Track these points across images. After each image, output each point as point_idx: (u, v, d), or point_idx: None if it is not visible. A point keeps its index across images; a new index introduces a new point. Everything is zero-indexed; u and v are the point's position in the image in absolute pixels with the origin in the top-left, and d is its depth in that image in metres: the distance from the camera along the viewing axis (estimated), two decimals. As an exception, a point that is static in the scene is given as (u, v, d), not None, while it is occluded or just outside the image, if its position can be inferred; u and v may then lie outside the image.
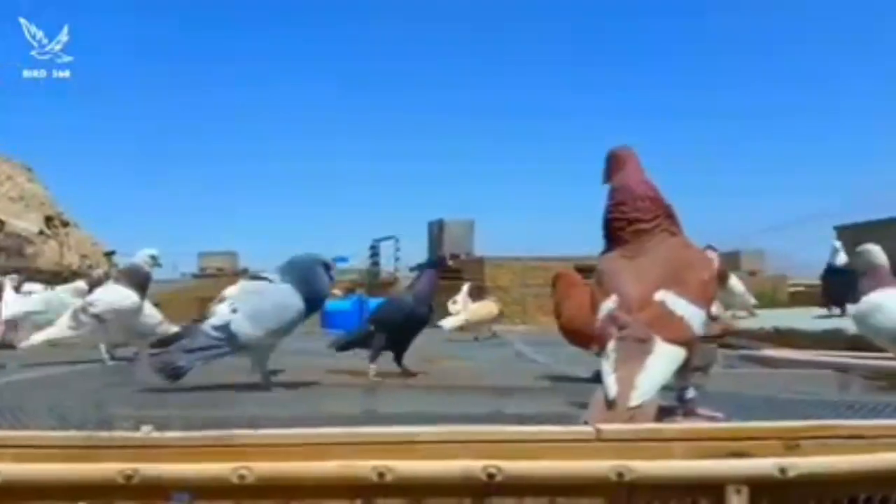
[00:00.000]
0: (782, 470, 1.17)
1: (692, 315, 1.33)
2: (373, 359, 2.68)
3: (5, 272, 5.64)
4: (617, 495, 1.15)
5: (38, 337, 3.27)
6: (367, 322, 2.84)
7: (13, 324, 4.16)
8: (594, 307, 1.39)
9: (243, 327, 2.23)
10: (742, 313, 5.63)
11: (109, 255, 11.88)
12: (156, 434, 1.13)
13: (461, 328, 4.80)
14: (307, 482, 1.09)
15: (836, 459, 1.19)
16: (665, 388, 1.34)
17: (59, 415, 1.70)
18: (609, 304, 1.35)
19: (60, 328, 3.23)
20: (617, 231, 1.45)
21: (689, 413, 1.38)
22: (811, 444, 1.21)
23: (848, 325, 4.07)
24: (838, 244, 5.26)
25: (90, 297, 3.35)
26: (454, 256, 11.99)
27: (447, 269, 3.79)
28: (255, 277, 2.85)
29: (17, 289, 4.51)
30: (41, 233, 11.16)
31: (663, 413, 1.32)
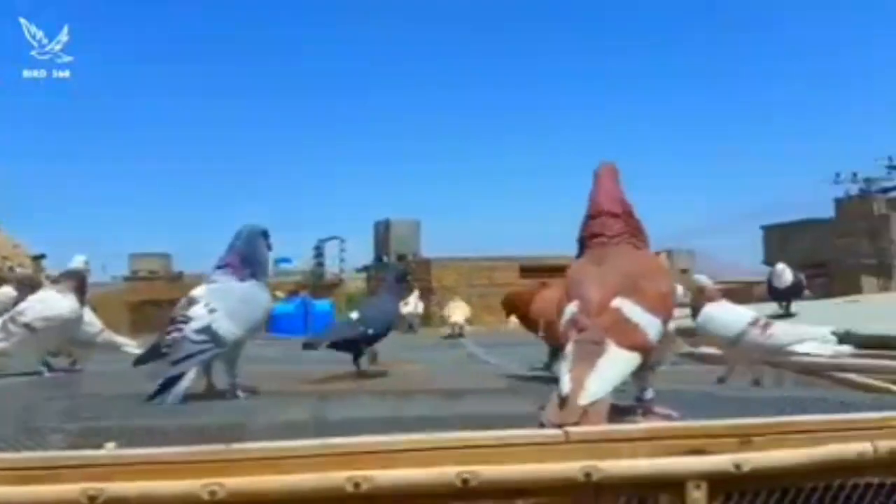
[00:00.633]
0: (737, 465, 1.24)
1: (648, 323, 1.39)
2: (360, 358, 2.79)
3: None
4: (585, 494, 1.19)
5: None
6: (357, 323, 2.87)
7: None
8: (559, 310, 1.44)
9: (225, 326, 2.20)
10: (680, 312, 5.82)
11: (38, 258, 11.28)
12: (120, 451, 1.10)
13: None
14: (282, 496, 1.09)
15: (787, 454, 1.27)
16: (619, 390, 1.39)
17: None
18: (572, 308, 1.40)
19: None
20: (584, 241, 1.52)
21: (648, 412, 1.44)
22: (763, 440, 1.28)
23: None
24: (781, 266, 5.27)
25: (21, 306, 3.19)
26: (401, 257, 12.02)
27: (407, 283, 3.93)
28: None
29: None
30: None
31: (623, 412, 1.37)
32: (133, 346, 3.39)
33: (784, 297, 5.02)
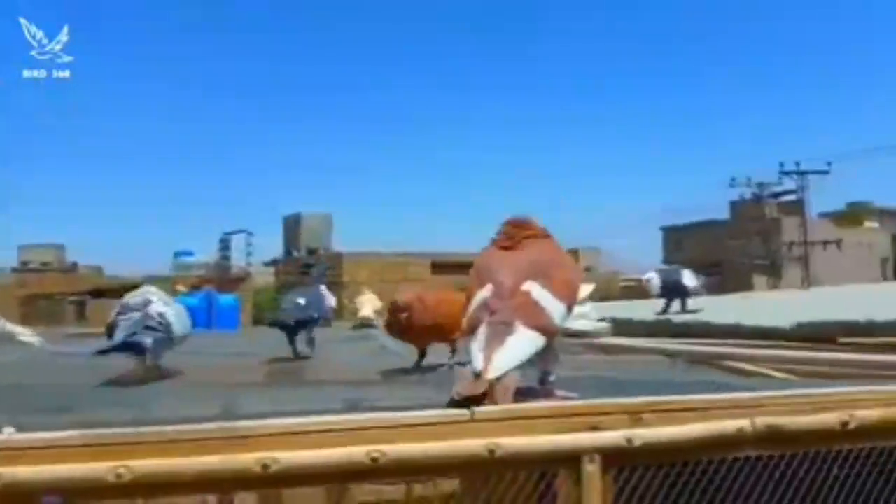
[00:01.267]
0: (629, 440, 1.33)
1: (554, 308, 1.47)
2: (310, 343, 3.00)
3: None
4: (489, 470, 1.25)
5: None
6: (306, 309, 3.03)
7: None
8: (469, 296, 1.49)
9: (175, 323, 2.31)
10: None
11: None
12: (21, 435, 1.07)
13: None
14: (190, 477, 1.09)
15: (674, 430, 1.37)
16: (526, 370, 1.46)
17: None
18: (484, 293, 1.46)
19: None
20: (496, 236, 1.60)
21: (549, 394, 1.52)
22: (653, 416, 1.38)
23: (674, 317, 4.61)
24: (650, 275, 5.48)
25: None
26: (312, 251, 11.84)
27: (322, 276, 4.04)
28: None
29: None
30: None
31: (526, 394, 1.44)
32: (29, 336, 3.25)
33: (667, 298, 5.21)
